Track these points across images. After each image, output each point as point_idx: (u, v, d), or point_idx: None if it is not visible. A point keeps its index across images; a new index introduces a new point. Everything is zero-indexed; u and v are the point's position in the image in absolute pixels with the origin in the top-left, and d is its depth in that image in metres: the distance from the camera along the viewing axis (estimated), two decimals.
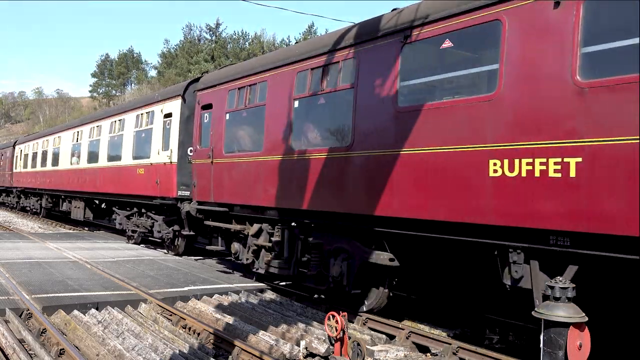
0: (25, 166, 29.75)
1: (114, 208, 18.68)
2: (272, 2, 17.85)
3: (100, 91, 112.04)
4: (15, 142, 33.70)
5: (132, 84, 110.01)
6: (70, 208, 23.04)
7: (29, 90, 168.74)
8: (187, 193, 13.37)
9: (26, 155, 29.83)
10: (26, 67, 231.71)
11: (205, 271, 12.52)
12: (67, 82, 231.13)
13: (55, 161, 24.32)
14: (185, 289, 10.25)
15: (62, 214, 25.80)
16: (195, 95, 12.85)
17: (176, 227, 14.74)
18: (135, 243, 17.25)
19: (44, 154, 26.34)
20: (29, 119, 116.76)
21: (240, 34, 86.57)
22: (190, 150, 13.24)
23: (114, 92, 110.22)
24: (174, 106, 14.34)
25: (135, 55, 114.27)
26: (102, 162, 18.78)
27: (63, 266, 12.31)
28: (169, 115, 14.57)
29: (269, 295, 10.30)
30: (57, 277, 10.87)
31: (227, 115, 11.21)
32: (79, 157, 21.26)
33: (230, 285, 10.76)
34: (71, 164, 21.98)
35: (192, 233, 13.77)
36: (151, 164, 15.05)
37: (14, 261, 12.61)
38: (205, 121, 12.10)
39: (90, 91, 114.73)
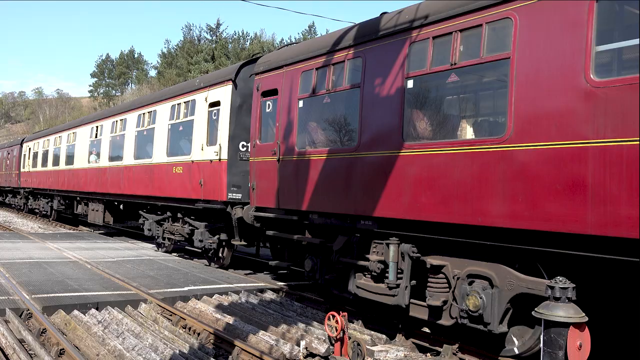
0: (34, 165, 27.51)
1: (141, 212, 16.29)
2: (272, 2, 17.40)
3: (100, 91, 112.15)
4: (23, 140, 31.30)
5: (132, 84, 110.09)
6: (86, 211, 21.00)
7: (29, 90, 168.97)
8: (239, 196, 11.63)
9: (35, 154, 27.56)
10: (26, 67, 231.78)
11: (206, 271, 12.52)
12: (67, 82, 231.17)
13: (70, 160, 22.00)
14: (185, 289, 10.26)
15: (75, 217, 24.57)
16: (251, 80, 10.94)
17: (222, 236, 12.77)
18: (166, 252, 15.48)
19: (56, 152, 24.00)
20: (29, 119, 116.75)
21: (240, 34, 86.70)
22: (243, 145, 11.71)
23: (113, 92, 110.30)
24: (223, 93, 12.14)
25: (136, 56, 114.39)
26: (128, 160, 16.45)
27: (63, 266, 12.31)
28: (215, 104, 12.38)
29: (269, 295, 10.30)
30: (57, 277, 10.88)
31: (301, 103, 9.06)
32: (98, 154, 19.04)
33: (230, 285, 10.76)
34: (89, 162, 19.62)
35: (244, 243, 12.02)
36: (192, 161, 12.91)
37: (14, 261, 12.61)
38: (268, 111, 9.95)
39: (90, 91, 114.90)
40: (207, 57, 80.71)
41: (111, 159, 17.88)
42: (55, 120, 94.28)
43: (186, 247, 14.96)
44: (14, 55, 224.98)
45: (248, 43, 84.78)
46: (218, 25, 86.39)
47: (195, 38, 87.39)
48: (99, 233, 21.42)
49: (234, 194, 11.70)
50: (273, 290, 10.65)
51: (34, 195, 28.76)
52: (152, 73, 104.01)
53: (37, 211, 28.06)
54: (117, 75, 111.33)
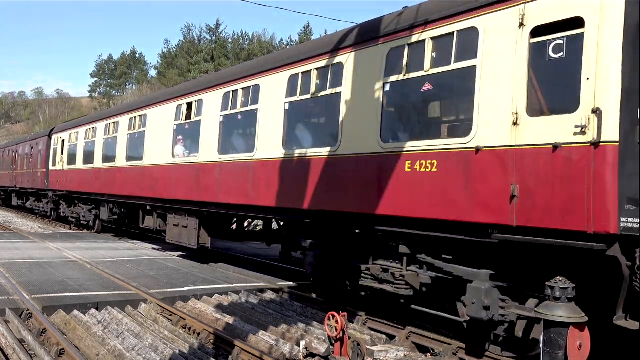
0: (71, 162, 21.33)
1: (301, 241, 9.71)
2: (272, 2, 16.57)
3: (100, 91, 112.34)
4: (52, 131, 25.03)
5: (132, 85, 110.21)
6: (161, 225, 14.72)
7: (29, 90, 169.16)
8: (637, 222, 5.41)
9: (73, 147, 21.26)
10: (26, 67, 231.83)
11: (206, 271, 12.52)
12: (67, 82, 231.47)
13: (135, 153, 15.47)
14: (185, 289, 10.26)
15: (118, 227, 19.92)
16: None
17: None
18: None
19: (109, 143, 17.56)
20: (29, 119, 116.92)
21: (240, 34, 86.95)
22: None
23: (113, 92, 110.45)
24: (591, 3, 5.64)
25: (138, 56, 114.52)
26: (268, 150, 9.80)
27: (63, 266, 12.30)
28: (554, 28, 6.04)
29: (269, 295, 10.30)
30: (57, 277, 10.87)
31: None
32: (192, 145, 12.70)
33: (230, 286, 10.76)
34: (174, 156, 13.12)
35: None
36: (477, 149, 6.49)
37: (14, 261, 12.61)
38: None
39: (89, 91, 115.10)
40: (207, 57, 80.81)
41: (224, 150, 11.29)
42: (55, 120, 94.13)
43: (413, 306, 8.17)
44: (14, 55, 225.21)
45: (247, 43, 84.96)
46: (218, 25, 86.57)
47: (196, 38, 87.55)
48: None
49: (630, 220, 5.46)
50: (273, 290, 10.64)
51: (68, 200, 22.82)
52: (152, 73, 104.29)
53: (73, 220, 22.66)
54: (119, 75, 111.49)
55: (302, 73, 9.17)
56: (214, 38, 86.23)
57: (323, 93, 8.77)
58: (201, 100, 12.27)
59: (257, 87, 10.35)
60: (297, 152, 9.13)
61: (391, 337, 7.94)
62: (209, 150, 11.68)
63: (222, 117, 11.35)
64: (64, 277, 10.92)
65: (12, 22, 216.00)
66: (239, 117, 11.11)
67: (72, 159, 21.31)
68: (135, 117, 15.89)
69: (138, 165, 15.15)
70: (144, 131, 14.95)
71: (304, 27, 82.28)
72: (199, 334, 7.65)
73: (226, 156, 11.18)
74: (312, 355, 7.02)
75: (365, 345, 6.96)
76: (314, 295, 10.17)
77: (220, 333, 7.49)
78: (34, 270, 11.49)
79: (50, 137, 24.59)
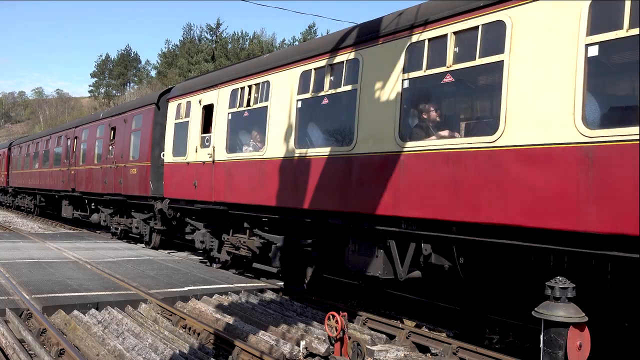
0: (238, 145, 10.92)
1: None
2: (272, 2, 16.10)
3: (101, 91, 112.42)
4: (166, 94, 14.76)
5: (132, 84, 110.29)
6: None
7: (29, 90, 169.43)
8: None
9: (249, 116, 10.65)
10: (26, 67, 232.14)
11: (206, 271, 12.52)
12: (67, 82, 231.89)
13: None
14: (185, 289, 10.26)
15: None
16: None
17: None
18: None
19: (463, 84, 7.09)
20: (29, 119, 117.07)
21: (240, 34, 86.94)
22: None
23: (114, 92, 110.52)
24: None
25: (133, 55, 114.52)
26: None
27: (63, 266, 12.30)
28: None
29: (269, 295, 10.30)
30: (57, 277, 10.87)
31: None
32: None
33: (230, 286, 10.76)
34: None
35: None
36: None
37: (14, 261, 12.61)
38: None
39: (90, 91, 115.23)
40: (207, 57, 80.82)
41: None
42: (55, 120, 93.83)
43: None
44: (14, 55, 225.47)
45: (247, 43, 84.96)
46: (218, 25, 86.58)
47: (196, 38, 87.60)
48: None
49: None
50: (273, 290, 10.64)
51: (213, 218, 12.44)
52: (152, 73, 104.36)
53: (223, 259, 12.53)
54: (116, 75, 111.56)
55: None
56: (214, 38, 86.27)
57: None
58: None
59: None
60: None
61: (391, 337, 7.95)
62: None
63: None
64: (64, 277, 10.92)
65: (12, 22, 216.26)
66: None
67: (241, 140, 10.99)
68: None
69: None
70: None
71: (309, 27, 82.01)
72: (199, 334, 7.65)
73: None
74: (312, 355, 7.03)
75: (365, 345, 6.96)
76: (313, 296, 10.17)
77: (220, 333, 7.49)
78: (34, 270, 11.49)
79: (158, 106, 14.98)
